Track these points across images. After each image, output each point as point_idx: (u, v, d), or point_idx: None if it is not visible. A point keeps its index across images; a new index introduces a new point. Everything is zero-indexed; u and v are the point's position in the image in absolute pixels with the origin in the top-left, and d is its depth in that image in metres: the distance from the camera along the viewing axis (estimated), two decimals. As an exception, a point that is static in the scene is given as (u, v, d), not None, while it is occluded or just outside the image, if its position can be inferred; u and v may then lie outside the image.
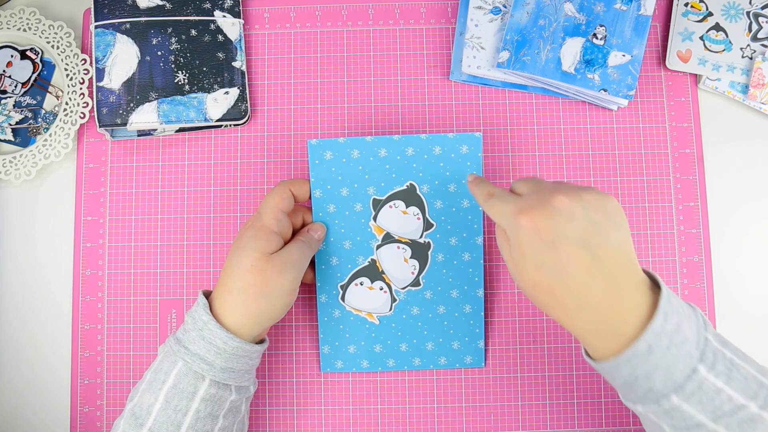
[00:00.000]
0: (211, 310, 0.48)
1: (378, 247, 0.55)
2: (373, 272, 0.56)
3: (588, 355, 0.44)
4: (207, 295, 0.50)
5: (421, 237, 0.56)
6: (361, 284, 0.56)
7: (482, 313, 0.57)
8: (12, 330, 0.59)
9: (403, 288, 0.56)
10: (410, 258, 0.56)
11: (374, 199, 0.55)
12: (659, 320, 0.39)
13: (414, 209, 0.55)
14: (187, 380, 0.46)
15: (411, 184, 0.55)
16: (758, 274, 0.59)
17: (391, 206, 0.55)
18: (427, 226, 0.55)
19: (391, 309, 0.56)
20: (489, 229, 0.59)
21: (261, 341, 0.51)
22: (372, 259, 0.56)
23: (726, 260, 0.59)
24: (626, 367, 0.40)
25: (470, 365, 0.57)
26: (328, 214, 0.56)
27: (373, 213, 0.55)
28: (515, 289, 0.59)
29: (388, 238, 0.55)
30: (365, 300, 0.56)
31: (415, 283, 0.56)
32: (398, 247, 0.55)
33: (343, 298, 0.56)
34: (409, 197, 0.55)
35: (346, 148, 0.55)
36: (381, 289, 0.56)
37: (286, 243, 0.51)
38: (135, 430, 0.46)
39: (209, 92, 0.59)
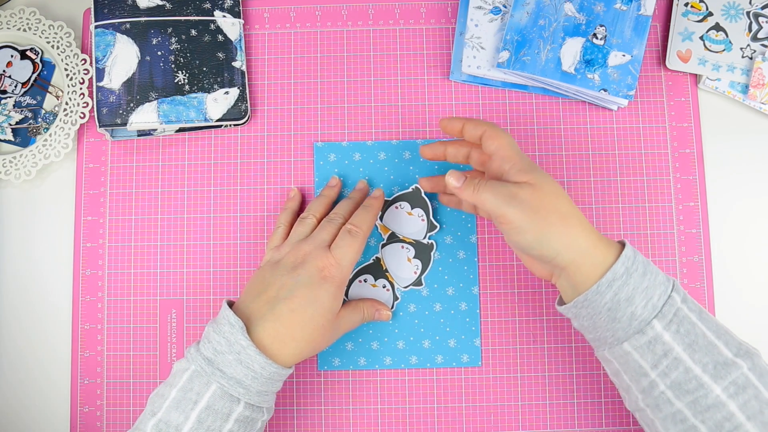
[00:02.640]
0: (249, 332, 0.47)
1: (383, 246, 0.56)
2: (377, 270, 0.57)
3: (565, 306, 0.48)
4: (230, 304, 0.50)
5: (424, 238, 0.57)
6: (365, 281, 0.57)
7: (478, 311, 0.57)
8: (12, 330, 0.59)
9: (405, 287, 0.57)
10: (413, 258, 0.57)
11: None
12: (630, 249, 0.46)
13: (419, 211, 0.57)
14: (222, 403, 0.46)
15: (416, 187, 0.57)
16: (758, 273, 0.59)
17: (396, 207, 0.57)
18: (431, 227, 0.57)
19: (392, 307, 0.57)
20: (482, 228, 0.59)
21: None
22: (376, 257, 0.57)
23: (726, 260, 0.59)
24: (608, 292, 0.45)
25: (467, 364, 0.57)
26: None
27: (379, 213, 0.56)
28: (515, 289, 0.58)
29: (393, 238, 0.56)
30: (368, 296, 0.57)
31: (417, 282, 0.57)
32: (402, 247, 0.57)
33: (346, 294, 0.57)
34: (415, 199, 0.57)
35: (349, 151, 0.59)
36: (384, 287, 0.57)
37: None
38: None
39: (209, 92, 0.59)
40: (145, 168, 0.60)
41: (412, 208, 0.57)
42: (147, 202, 0.60)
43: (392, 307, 0.57)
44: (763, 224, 0.60)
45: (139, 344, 0.58)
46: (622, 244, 0.47)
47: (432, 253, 0.57)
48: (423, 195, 0.56)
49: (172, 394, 0.46)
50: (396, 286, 0.57)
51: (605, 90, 0.58)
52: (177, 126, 0.59)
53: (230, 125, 0.61)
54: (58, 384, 0.58)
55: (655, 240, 0.59)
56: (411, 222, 0.57)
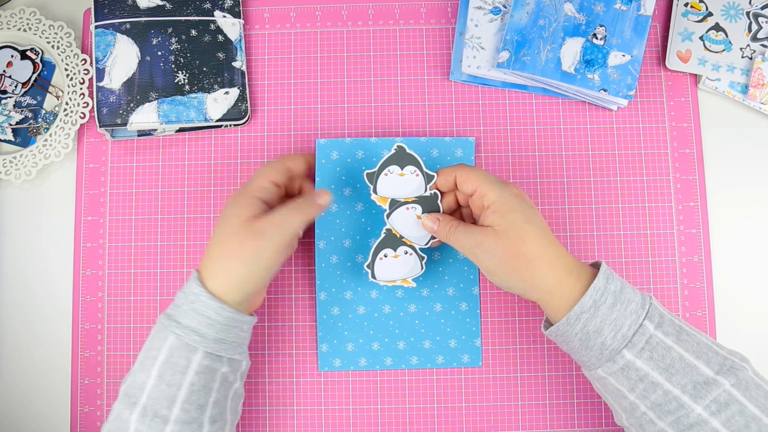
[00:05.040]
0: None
1: (388, 215, 0.54)
2: (393, 240, 0.55)
3: (546, 332, 0.49)
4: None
5: (425, 191, 0.54)
6: (386, 256, 0.55)
7: (478, 311, 0.57)
8: (13, 330, 0.59)
9: (426, 244, 0.55)
10: (422, 214, 0.54)
11: (367, 174, 0.54)
12: (601, 280, 0.46)
13: (410, 168, 0.54)
14: (179, 353, 0.46)
15: (398, 146, 0.54)
16: (758, 273, 0.59)
17: (386, 174, 0.54)
18: (429, 178, 0.54)
19: (423, 267, 0.55)
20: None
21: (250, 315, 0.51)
22: (387, 229, 0.54)
23: (726, 260, 0.59)
24: (577, 323, 0.46)
25: (467, 364, 0.57)
26: (329, 212, 0.57)
27: (371, 186, 0.54)
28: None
29: (395, 204, 0.54)
30: (395, 269, 0.55)
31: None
32: (407, 208, 0.54)
33: (374, 276, 0.55)
34: (401, 159, 0.54)
35: (352, 148, 0.58)
36: (406, 253, 0.55)
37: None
38: (129, 408, 0.46)
39: (209, 92, 0.59)
40: (145, 168, 0.60)
41: (402, 168, 0.54)
42: (147, 202, 0.60)
43: (422, 269, 0.55)
44: (763, 224, 0.60)
45: (139, 344, 0.58)
46: (598, 269, 0.47)
47: (439, 203, 0.54)
48: (408, 151, 0.54)
49: (139, 357, 0.48)
50: (417, 246, 0.55)
51: (605, 90, 0.58)
52: (177, 126, 0.59)
53: (230, 125, 0.61)
54: (58, 384, 0.58)
55: (655, 240, 0.59)
56: (406, 182, 0.54)
